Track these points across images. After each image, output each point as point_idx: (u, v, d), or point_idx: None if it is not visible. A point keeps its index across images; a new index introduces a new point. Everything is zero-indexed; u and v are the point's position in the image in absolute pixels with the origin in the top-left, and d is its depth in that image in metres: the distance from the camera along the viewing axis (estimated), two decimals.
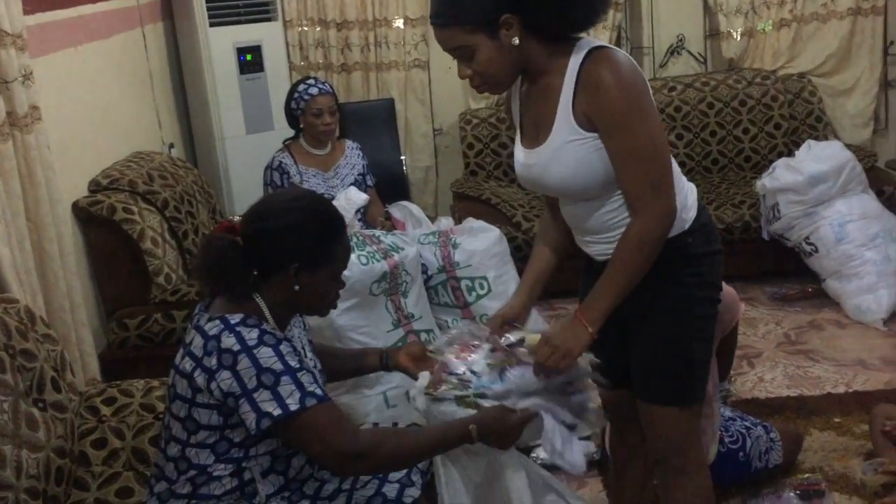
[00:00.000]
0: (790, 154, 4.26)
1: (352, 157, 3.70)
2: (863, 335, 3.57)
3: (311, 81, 3.58)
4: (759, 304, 3.85)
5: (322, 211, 1.79)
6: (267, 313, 1.73)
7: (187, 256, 3.28)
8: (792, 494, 2.46)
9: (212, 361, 1.63)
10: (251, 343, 1.62)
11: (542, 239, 2.03)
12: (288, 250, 1.72)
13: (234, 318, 1.67)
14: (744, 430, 2.57)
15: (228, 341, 1.63)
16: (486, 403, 1.77)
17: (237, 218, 3.41)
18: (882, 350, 3.43)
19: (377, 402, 2.91)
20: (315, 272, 1.74)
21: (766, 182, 3.90)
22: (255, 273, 1.72)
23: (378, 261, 2.92)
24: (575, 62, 1.72)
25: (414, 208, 3.90)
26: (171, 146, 4.07)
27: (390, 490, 1.86)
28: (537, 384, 1.80)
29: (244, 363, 1.61)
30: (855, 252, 3.70)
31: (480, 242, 3.64)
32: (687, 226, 1.84)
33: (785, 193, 3.82)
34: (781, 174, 3.84)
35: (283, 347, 1.64)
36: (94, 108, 3.38)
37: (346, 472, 1.72)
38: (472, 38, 1.68)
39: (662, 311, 1.85)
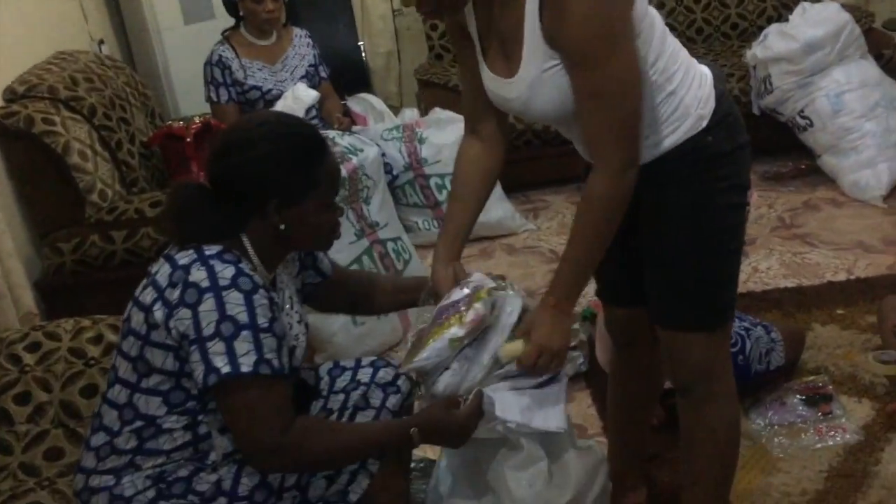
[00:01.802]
0: (780, 19, 3.95)
1: (301, 46, 3.33)
2: (861, 214, 3.35)
3: None
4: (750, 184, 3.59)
5: (293, 133, 1.52)
6: (252, 252, 1.50)
7: (123, 169, 2.96)
8: (797, 399, 2.28)
9: (174, 294, 1.41)
10: (223, 283, 1.40)
11: (458, 190, 1.69)
12: (261, 185, 1.47)
13: (210, 250, 1.44)
14: (742, 332, 2.37)
15: (198, 275, 1.41)
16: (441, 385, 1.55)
17: (180, 123, 3.16)
18: (882, 230, 3.21)
19: (343, 321, 2.68)
20: (299, 205, 1.49)
21: (756, 51, 3.58)
22: (234, 217, 1.49)
23: None
24: None
25: (375, 100, 3.57)
26: (101, 42, 3.66)
27: None
28: (486, 368, 1.56)
29: (208, 304, 1.39)
30: (853, 124, 3.44)
31: (449, 135, 3.36)
32: (705, 123, 1.55)
33: (778, 63, 3.51)
34: (774, 42, 3.52)
35: (258, 298, 1.41)
36: (4, 4, 2.98)
37: (259, 465, 1.48)
38: None
39: (683, 225, 1.58)
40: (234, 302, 1.39)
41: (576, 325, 2.65)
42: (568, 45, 1.40)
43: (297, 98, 2.93)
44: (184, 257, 1.44)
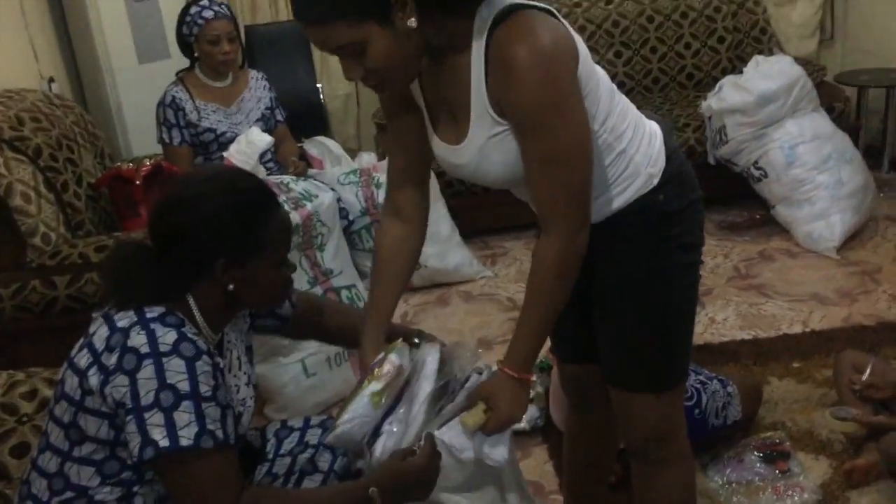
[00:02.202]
0: (735, 70, 4.02)
1: (257, 88, 3.28)
2: (816, 265, 3.37)
3: (205, 3, 3.13)
4: (706, 233, 3.59)
5: (240, 190, 1.44)
6: (198, 315, 1.42)
7: (69, 211, 2.86)
8: (754, 456, 2.25)
9: (111, 360, 1.32)
10: (164, 348, 1.31)
11: (382, 273, 1.62)
12: (207, 245, 1.39)
13: (152, 312, 1.35)
14: (698, 385, 2.34)
15: (138, 339, 1.32)
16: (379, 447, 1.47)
17: (129, 165, 3.07)
18: (837, 281, 3.23)
19: (295, 372, 2.61)
20: (248, 264, 1.42)
21: (712, 103, 3.62)
22: (177, 278, 1.41)
23: (287, 212, 2.55)
24: (481, 30, 1.35)
25: (332, 144, 3.52)
26: (52, 80, 3.58)
27: None
28: (423, 416, 1.49)
29: (147, 371, 1.30)
30: (806, 176, 3.47)
31: None
32: (655, 181, 1.52)
33: (733, 115, 3.54)
34: (728, 94, 3.56)
35: (200, 365, 1.33)
36: None
37: None
38: (360, 32, 1.31)
39: (635, 285, 1.55)
40: (175, 369, 1.31)
41: (533, 377, 2.61)
42: (514, 112, 1.36)
43: (251, 142, 2.87)
44: (123, 318, 1.36)
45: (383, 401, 1.47)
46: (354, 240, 3.33)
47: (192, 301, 1.42)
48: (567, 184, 1.39)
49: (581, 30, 4.15)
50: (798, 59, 3.79)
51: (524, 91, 1.32)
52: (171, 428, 1.29)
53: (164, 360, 1.31)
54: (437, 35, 1.37)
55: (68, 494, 1.40)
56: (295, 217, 2.57)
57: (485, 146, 1.42)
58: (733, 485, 2.19)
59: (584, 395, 1.86)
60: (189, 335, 1.35)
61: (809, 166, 3.47)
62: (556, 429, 2.37)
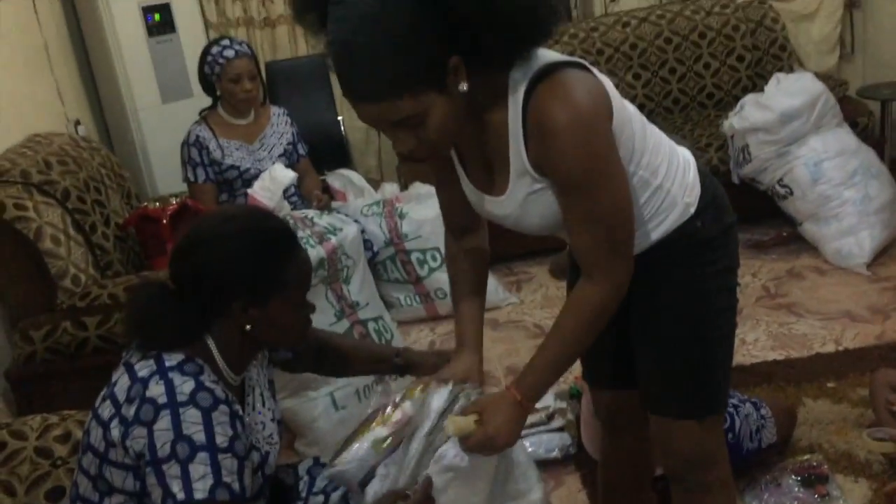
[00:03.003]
0: (755, 88, 3.99)
1: (279, 124, 3.32)
2: (846, 282, 3.33)
3: (226, 42, 3.18)
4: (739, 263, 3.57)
5: (261, 229, 1.45)
6: (218, 358, 1.42)
7: (97, 252, 2.89)
8: (792, 480, 2.21)
9: (131, 411, 1.33)
10: (181, 398, 1.32)
11: (460, 285, 1.65)
12: (227, 285, 1.40)
13: (171, 360, 1.36)
14: (731, 409, 2.31)
15: (155, 390, 1.32)
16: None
17: (156, 204, 3.11)
18: (868, 298, 3.19)
19: (324, 405, 2.60)
20: (266, 305, 1.42)
21: (733, 122, 3.59)
22: (199, 317, 1.42)
23: (312, 246, 2.57)
24: (517, 91, 1.34)
25: (354, 176, 3.54)
26: (78, 123, 3.64)
27: None
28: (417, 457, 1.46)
29: (163, 423, 1.30)
30: (833, 192, 3.44)
31: (429, 210, 3.33)
32: (693, 209, 1.52)
33: (755, 133, 3.52)
34: (750, 112, 3.54)
35: (217, 415, 1.33)
36: None
37: None
38: (422, 103, 1.26)
39: (675, 310, 1.55)
40: (192, 420, 1.31)
41: (563, 404, 2.59)
42: (556, 177, 1.36)
43: (275, 179, 2.90)
44: (143, 368, 1.36)
45: (384, 446, 1.45)
46: (379, 270, 3.35)
47: (211, 342, 1.42)
48: (609, 240, 1.39)
49: (599, 53, 4.16)
50: (819, 75, 3.77)
51: (565, 157, 1.31)
52: (186, 480, 1.29)
53: (181, 410, 1.31)
54: (478, 94, 1.35)
55: None
56: (320, 251, 2.58)
57: (525, 201, 1.42)
58: None
59: (617, 422, 1.84)
60: (207, 384, 1.35)
61: (835, 182, 3.43)
62: (588, 457, 2.35)
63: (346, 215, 3.05)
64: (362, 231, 3.09)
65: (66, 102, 3.60)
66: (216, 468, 1.30)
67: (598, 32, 4.22)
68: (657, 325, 1.57)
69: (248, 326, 1.42)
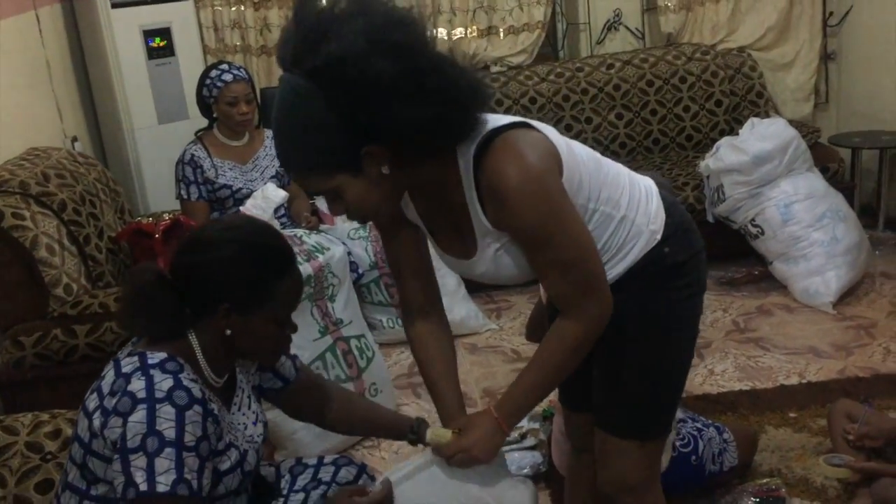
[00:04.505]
0: (732, 132, 4.14)
1: (272, 147, 3.42)
2: (812, 320, 3.45)
3: (225, 67, 3.30)
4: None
5: (261, 243, 1.53)
6: (200, 357, 1.50)
7: (90, 263, 2.98)
8: (751, 502, 2.30)
9: (112, 403, 1.41)
10: (158, 395, 1.39)
11: (434, 364, 1.67)
12: (216, 288, 1.48)
13: (153, 358, 1.44)
14: (695, 432, 2.41)
15: (136, 384, 1.40)
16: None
17: (149, 219, 3.20)
18: (832, 335, 3.31)
19: None
20: (247, 315, 1.50)
21: (710, 163, 3.74)
22: (186, 312, 1.50)
23: (300, 263, 2.67)
24: (466, 159, 1.43)
25: None
26: (75, 140, 3.73)
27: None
28: None
29: (138, 415, 1.38)
30: (802, 233, 3.58)
31: None
32: (659, 236, 1.59)
33: (729, 174, 3.67)
34: (725, 154, 3.69)
35: (190, 414, 1.40)
36: None
37: None
38: (333, 181, 1.39)
39: (639, 333, 1.61)
40: (165, 416, 1.37)
41: (535, 425, 2.69)
42: (516, 234, 1.45)
43: (266, 198, 3.00)
44: (128, 365, 1.44)
45: None
46: (364, 293, 3.44)
47: (194, 341, 1.50)
48: (580, 281, 1.47)
49: (584, 92, 4.32)
50: (793, 122, 3.94)
51: (521, 215, 1.40)
52: (150, 473, 1.35)
53: (157, 406, 1.37)
54: (419, 176, 1.45)
55: None
56: (307, 268, 2.68)
57: (496, 256, 1.51)
58: None
59: (588, 443, 1.91)
60: (185, 382, 1.41)
61: (805, 224, 3.57)
62: (558, 474, 2.43)
63: (334, 237, 3.15)
64: (348, 253, 3.19)
65: (64, 119, 3.70)
66: (180, 465, 1.37)
67: (584, 73, 4.38)
68: (621, 349, 1.62)
69: (227, 331, 1.49)
